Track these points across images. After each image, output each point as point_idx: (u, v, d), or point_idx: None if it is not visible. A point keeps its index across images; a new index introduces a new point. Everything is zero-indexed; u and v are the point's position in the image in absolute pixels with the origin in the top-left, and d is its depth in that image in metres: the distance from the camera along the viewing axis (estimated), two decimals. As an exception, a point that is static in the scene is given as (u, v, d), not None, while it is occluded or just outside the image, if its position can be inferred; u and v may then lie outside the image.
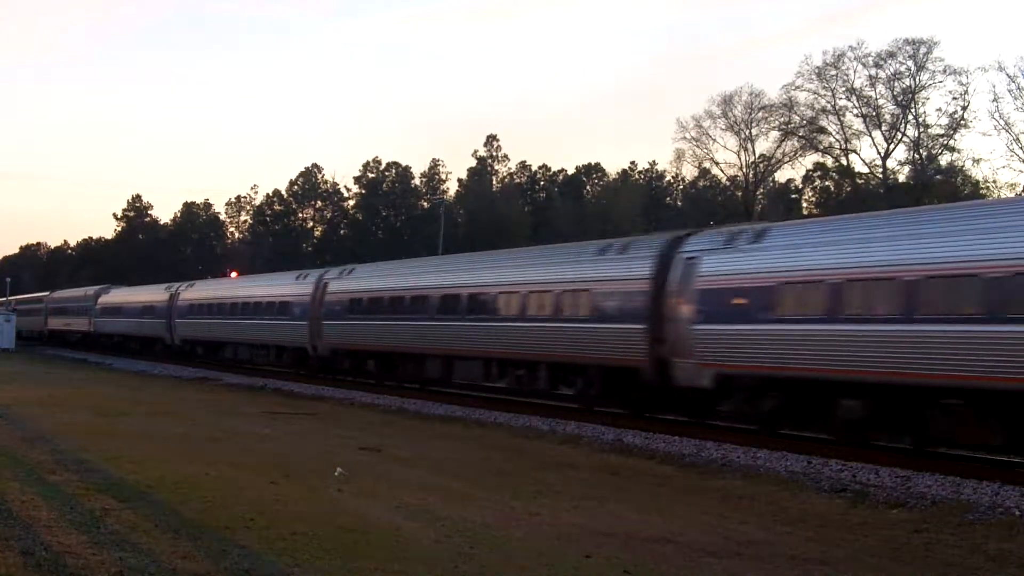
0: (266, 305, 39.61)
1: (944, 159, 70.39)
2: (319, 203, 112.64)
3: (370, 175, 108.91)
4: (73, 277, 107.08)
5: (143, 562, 7.84)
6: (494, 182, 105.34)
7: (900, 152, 71.95)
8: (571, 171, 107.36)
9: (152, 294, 55.59)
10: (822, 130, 73.11)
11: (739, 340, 18.65)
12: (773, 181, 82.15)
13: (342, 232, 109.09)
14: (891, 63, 68.46)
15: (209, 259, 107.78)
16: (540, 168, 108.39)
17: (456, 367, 28.39)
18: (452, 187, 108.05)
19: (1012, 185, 63.73)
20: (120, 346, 58.61)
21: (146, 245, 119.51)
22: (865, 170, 73.83)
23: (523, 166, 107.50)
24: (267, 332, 39.66)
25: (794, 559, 9.45)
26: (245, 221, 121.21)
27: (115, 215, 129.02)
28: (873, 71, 69.12)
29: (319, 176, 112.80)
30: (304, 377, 37.03)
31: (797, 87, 71.91)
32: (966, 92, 66.36)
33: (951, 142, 68.96)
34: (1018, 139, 62.16)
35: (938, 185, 66.24)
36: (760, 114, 76.19)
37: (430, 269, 31.84)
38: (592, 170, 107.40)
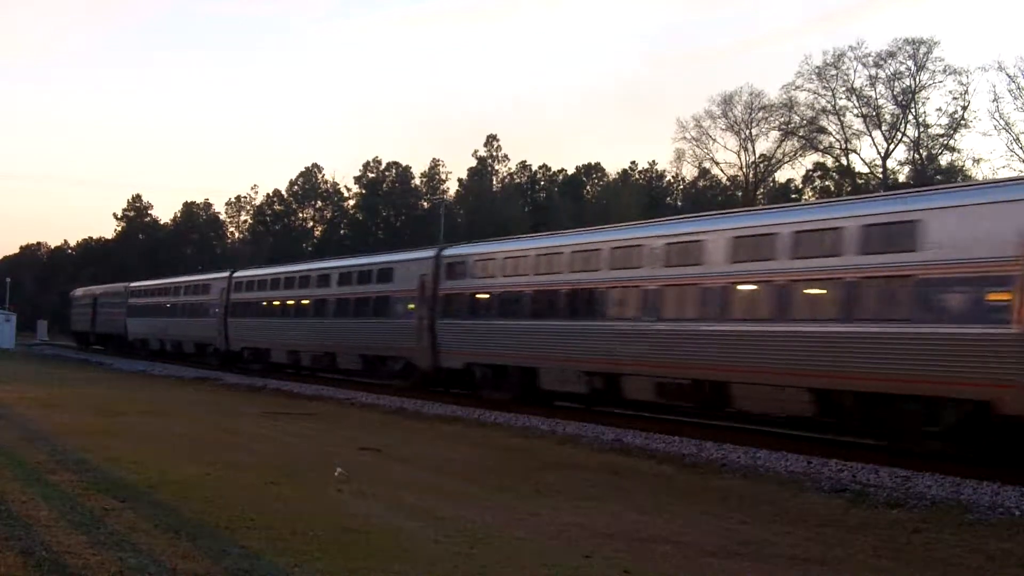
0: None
1: (944, 159, 70.62)
2: (319, 203, 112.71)
3: (370, 175, 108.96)
4: (74, 277, 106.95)
5: (143, 562, 7.83)
6: (494, 182, 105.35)
7: (900, 152, 72.21)
8: (571, 171, 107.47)
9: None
10: (822, 130, 73.29)
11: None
12: (773, 181, 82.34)
13: (342, 232, 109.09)
14: (891, 63, 68.67)
15: (209, 259, 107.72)
16: (540, 168, 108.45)
17: None
18: (452, 187, 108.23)
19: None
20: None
21: (146, 245, 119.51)
22: (865, 170, 74.05)
23: (523, 166, 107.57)
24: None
25: (794, 559, 9.44)
26: (245, 221, 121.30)
27: (115, 215, 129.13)
28: (873, 71, 69.32)
29: (319, 176, 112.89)
30: (304, 377, 36.90)
31: (797, 87, 72.18)
32: (966, 92, 66.61)
33: (951, 142, 69.20)
34: (1018, 139, 62.36)
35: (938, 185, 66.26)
36: (760, 114, 76.47)
37: None
38: (592, 170, 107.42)
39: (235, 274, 45.58)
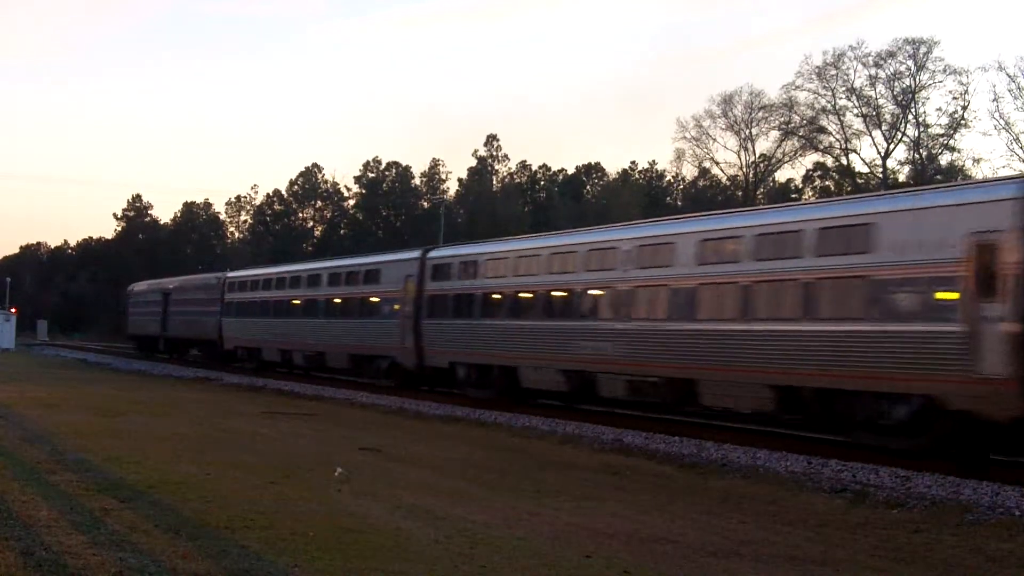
0: None
1: (944, 159, 70.56)
2: (319, 203, 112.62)
3: (370, 175, 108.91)
4: (73, 277, 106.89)
5: (143, 562, 7.83)
6: (494, 182, 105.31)
7: (900, 152, 72.17)
8: (571, 171, 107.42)
9: None
10: (822, 130, 73.27)
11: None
12: (773, 181, 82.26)
13: (342, 232, 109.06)
14: (891, 63, 68.59)
15: (209, 259, 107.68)
16: (540, 168, 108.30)
17: None
18: (452, 187, 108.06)
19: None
20: None
21: (146, 245, 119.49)
22: (865, 170, 74.02)
23: (523, 166, 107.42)
24: None
25: (794, 559, 9.45)
26: (245, 221, 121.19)
27: (115, 215, 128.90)
28: (873, 71, 69.26)
29: (319, 176, 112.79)
30: (303, 377, 36.86)
31: (797, 87, 72.11)
32: (966, 92, 66.53)
33: (951, 142, 69.17)
34: (1018, 139, 62.31)
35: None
36: (760, 114, 76.44)
37: None
38: (592, 170, 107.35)
39: (431, 254, 30.66)
